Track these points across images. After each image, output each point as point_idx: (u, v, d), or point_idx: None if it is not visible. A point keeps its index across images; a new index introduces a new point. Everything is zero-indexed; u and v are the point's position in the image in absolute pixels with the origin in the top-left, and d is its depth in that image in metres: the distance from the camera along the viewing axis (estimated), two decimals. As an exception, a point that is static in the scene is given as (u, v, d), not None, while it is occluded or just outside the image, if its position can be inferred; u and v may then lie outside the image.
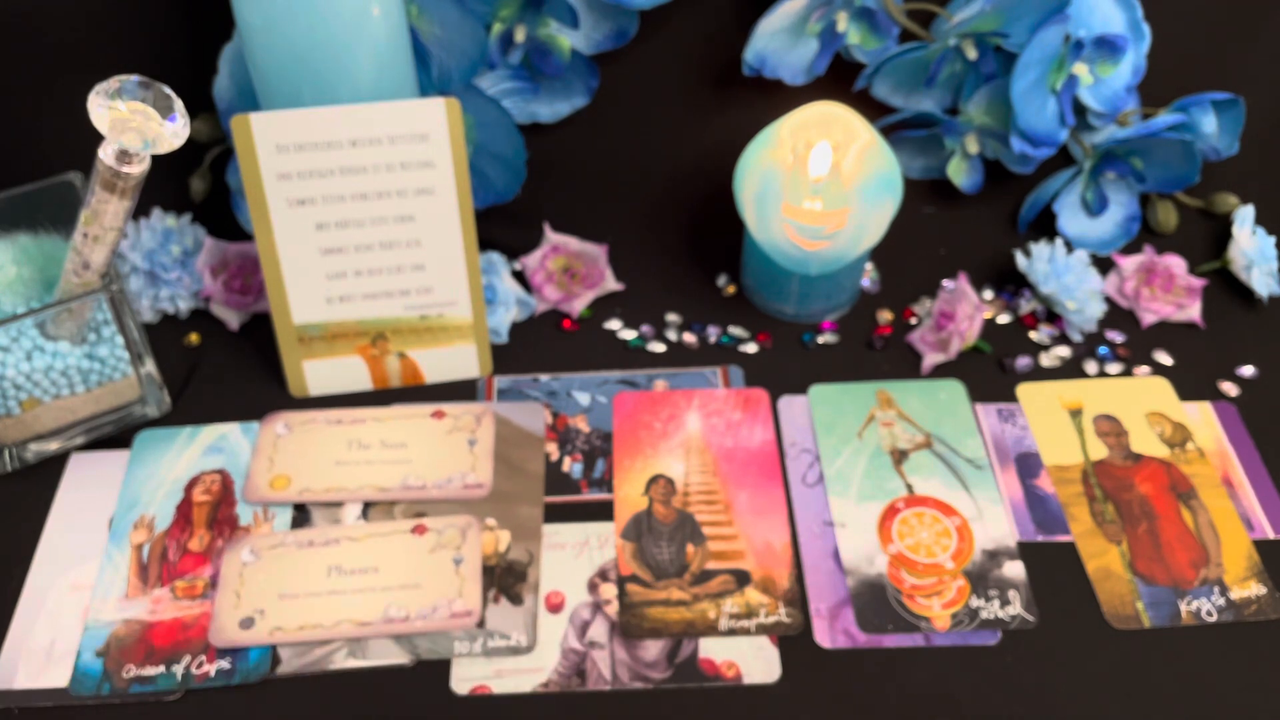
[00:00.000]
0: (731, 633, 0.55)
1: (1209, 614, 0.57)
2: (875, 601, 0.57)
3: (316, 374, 0.67)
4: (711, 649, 0.55)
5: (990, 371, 0.70)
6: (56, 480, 0.63)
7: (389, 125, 0.60)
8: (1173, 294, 0.73)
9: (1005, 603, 0.57)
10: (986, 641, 0.56)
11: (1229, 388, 0.69)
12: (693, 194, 0.80)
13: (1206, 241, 0.78)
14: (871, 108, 0.76)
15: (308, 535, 0.59)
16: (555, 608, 0.57)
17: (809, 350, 0.71)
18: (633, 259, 0.77)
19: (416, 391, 0.69)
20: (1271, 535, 0.60)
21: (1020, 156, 0.74)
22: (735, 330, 0.72)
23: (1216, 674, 0.54)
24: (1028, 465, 0.64)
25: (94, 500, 0.62)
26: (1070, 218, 0.77)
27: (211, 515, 0.61)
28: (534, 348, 0.71)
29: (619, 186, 0.80)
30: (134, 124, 0.54)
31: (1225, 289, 0.75)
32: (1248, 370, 0.70)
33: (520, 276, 0.75)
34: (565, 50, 0.71)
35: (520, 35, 0.70)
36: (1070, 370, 0.70)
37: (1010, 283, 0.76)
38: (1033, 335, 0.72)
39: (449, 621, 0.56)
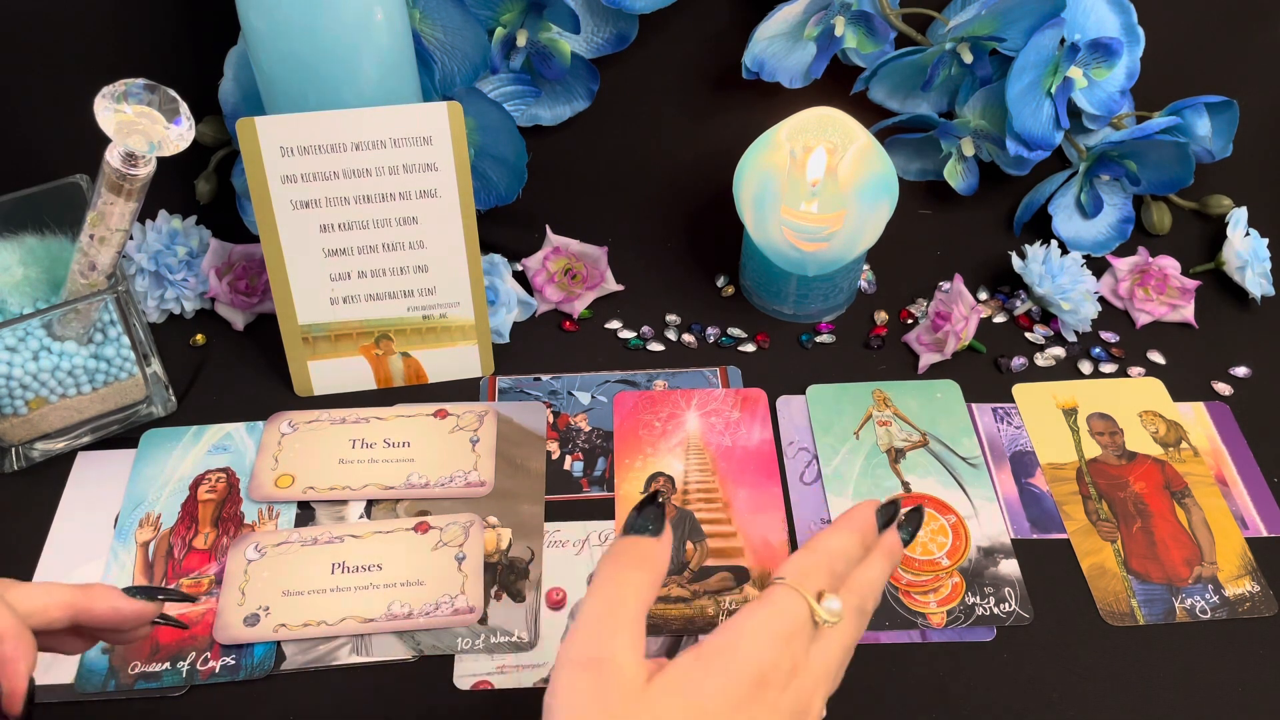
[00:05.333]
0: (730, 629, 0.56)
1: (1203, 611, 0.57)
2: (872, 598, 0.58)
3: (321, 374, 0.68)
4: (711, 645, 0.56)
5: (986, 371, 0.70)
6: (63, 479, 0.63)
7: (392, 128, 0.61)
8: (1166, 295, 0.74)
9: (1001, 600, 0.58)
10: (982, 638, 0.56)
11: (1222, 387, 0.69)
12: (692, 196, 0.81)
13: (1200, 243, 0.79)
14: (868, 111, 0.76)
15: (312, 533, 0.60)
16: (556, 604, 0.57)
17: (807, 350, 0.72)
18: (633, 260, 0.77)
19: (419, 391, 0.69)
20: (1265, 533, 0.61)
21: (1016, 159, 0.75)
22: (734, 330, 0.73)
23: (1210, 670, 0.55)
24: (1023, 464, 0.65)
25: (100, 499, 0.62)
26: (1065, 219, 0.78)
27: (216, 513, 0.62)
28: (535, 348, 0.72)
29: (619, 188, 0.80)
30: (140, 127, 0.54)
31: (1219, 290, 0.76)
32: (1241, 370, 0.70)
33: (522, 277, 0.76)
34: (566, 54, 0.72)
35: (522, 39, 0.70)
36: (1065, 370, 0.71)
37: (1005, 284, 0.77)
38: (1028, 336, 0.73)
39: (451, 618, 0.56)
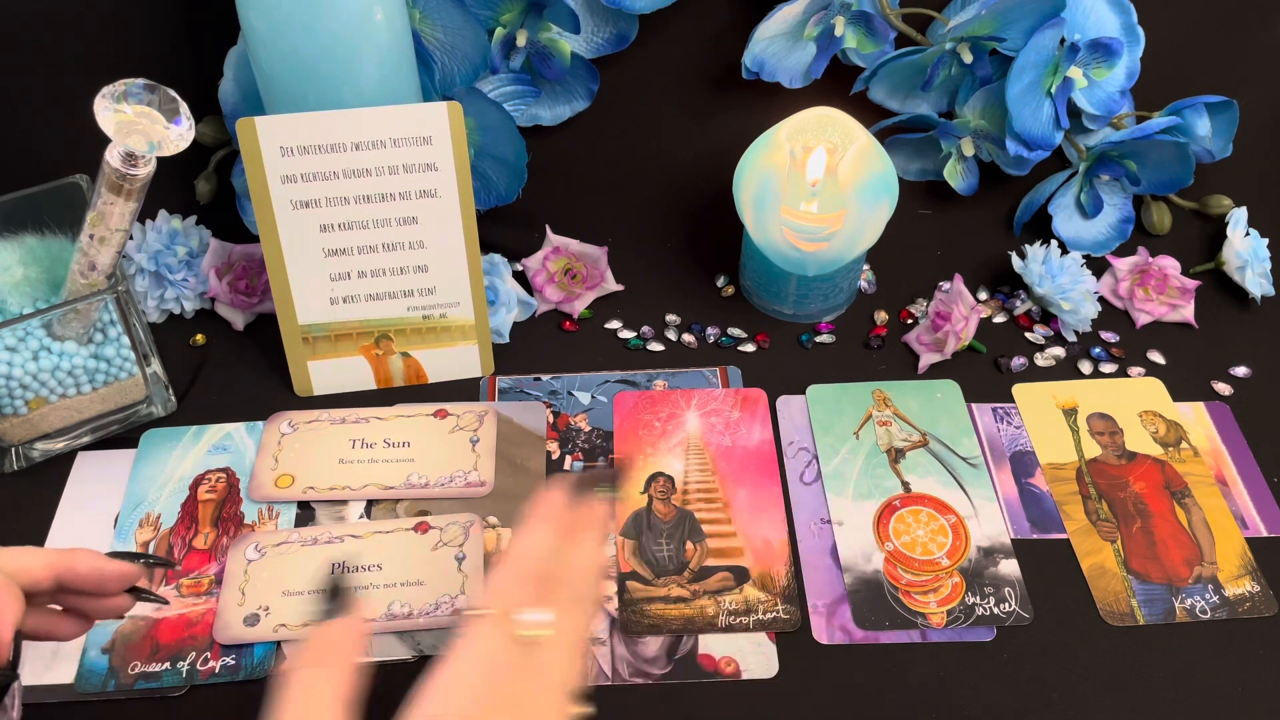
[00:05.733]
0: (730, 629, 0.56)
1: (1203, 611, 0.57)
2: (872, 598, 0.58)
3: (321, 374, 0.68)
4: (710, 645, 0.56)
5: (986, 371, 0.70)
6: (63, 479, 0.63)
7: (392, 128, 0.61)
8: (1166, 295, 0.74)
9: (1001, 600, 0.58)
10: (982, 638, 0.56)
11: (1222, 387, 0.69)
12: (692, 196, 0.81)
13: (1200, 243, 0.79)
14: (868, 111, 0.76)
15: (312, 533, 0.60)
16: (556, 604, 0.57)
17: (807, 350, 0.72)
18: (633, 260, 0.77)
19: (419, 391, 0.69)
20: (1265, 533, 0.61)
21: (1015, 159, 0.75)
22: (734, 330, 0.73)
23: (1210, 670, 0.55)
24: (1023, 464, 0.65)
25: (100, 499, 0.62)
26: (1065, 219, 0.78)
27: (216, 513, 0.62)
28: (535, 348, 0.72)
29: (619, 188, 0.80)
30: (140, 127, 0.55)
31: (1219, 290, 0.76)
32: (1241, 370, 0.70)
33: (521, 277, 0.76)
34: (566, 54, 0.72)
35: (522, 39, 0.70)
36: (1065, 370, 0.71)
37: (1005, 284, 0.77)
38: (1028, 336, 0.73)
39: (452, 618, 0.56)
